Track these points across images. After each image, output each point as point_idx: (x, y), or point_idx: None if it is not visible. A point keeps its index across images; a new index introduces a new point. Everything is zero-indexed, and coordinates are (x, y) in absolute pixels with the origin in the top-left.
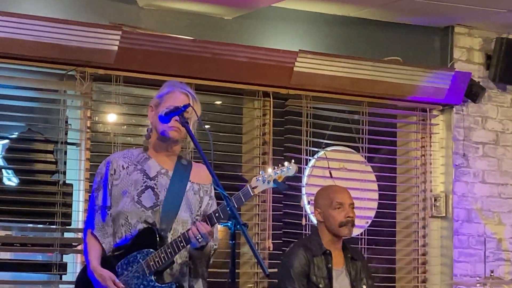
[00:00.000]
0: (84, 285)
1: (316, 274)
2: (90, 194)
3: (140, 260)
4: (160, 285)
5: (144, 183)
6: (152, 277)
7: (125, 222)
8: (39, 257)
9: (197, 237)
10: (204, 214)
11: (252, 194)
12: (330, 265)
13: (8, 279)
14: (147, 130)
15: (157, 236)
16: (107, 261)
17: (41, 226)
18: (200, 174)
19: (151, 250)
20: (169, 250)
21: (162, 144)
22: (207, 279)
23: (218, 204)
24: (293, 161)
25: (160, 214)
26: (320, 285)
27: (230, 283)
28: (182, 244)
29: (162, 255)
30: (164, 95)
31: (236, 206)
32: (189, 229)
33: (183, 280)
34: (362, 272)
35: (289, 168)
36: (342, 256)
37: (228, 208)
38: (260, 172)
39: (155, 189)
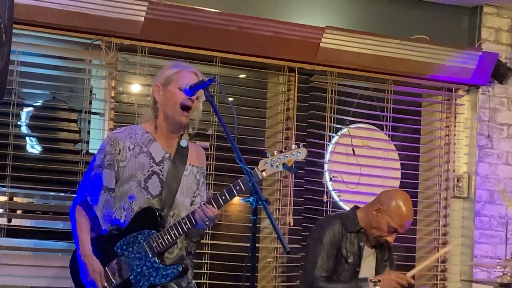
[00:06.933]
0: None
1: (347, 248)
2: (89, 167)
3: (141, 240)
4: (164, 266)
5: (150, 167)
6: (156, 259)
7: (128, 207)
8: (60, 225)
9: (204, 220)
10: (210, 197)
11: (260, 178)
12: (362, 244)
13: (29, 246)
14: (154, 109)
15: (158, 216)
16: (103, 241)
17: (62, 194)
18: (197, 156)
19: (153, 231)
20: (173, 232)
21: (169, 126)
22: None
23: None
24: (301, 144)
25: (162, 198)
26: (349, 260)
27: (250, 257)
28: (186, 226)
29: (166, 236)
30: (172, 74)
31: (244, 189)
32: (193, 212)
33: (183, 259)
34: (388, 259)
35: (298, 152)
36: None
37: (250, 184)
38: (268, 155)
39: (160, 175)
